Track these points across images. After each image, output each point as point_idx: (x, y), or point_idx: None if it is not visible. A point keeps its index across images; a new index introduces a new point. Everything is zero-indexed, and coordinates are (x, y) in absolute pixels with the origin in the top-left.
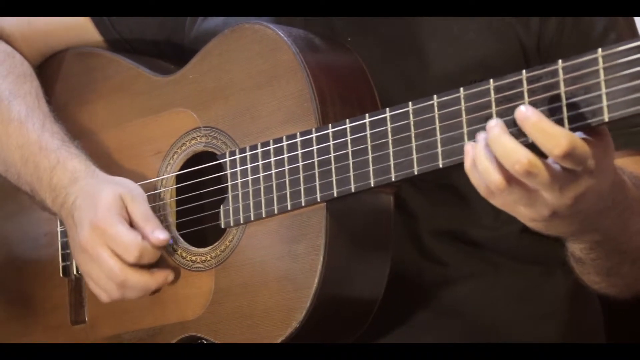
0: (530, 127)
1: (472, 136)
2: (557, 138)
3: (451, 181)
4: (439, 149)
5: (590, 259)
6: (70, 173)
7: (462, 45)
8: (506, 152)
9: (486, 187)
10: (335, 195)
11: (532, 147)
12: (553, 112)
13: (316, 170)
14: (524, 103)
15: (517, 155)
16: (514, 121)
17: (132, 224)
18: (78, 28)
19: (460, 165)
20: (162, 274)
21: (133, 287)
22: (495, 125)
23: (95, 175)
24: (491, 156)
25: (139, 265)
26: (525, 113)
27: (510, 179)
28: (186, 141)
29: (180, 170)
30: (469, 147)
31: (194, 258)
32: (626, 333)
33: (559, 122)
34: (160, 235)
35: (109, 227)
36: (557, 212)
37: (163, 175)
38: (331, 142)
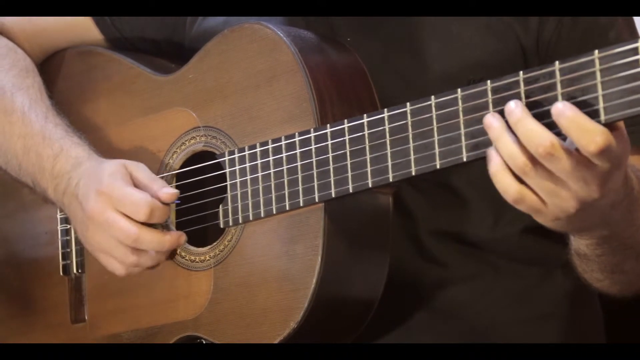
0: (566, 122)
1: (469, 137)
2: (593, 134)
3: (451, 182)
4: (437, 150)
5: (596, 255)
6: (74, 159)
7: (461, 45)
8: (531, 134)
9: (515, 191)
10: (333, 195)
11: None
12: (550, 114)
13: (314, 171)
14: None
15: (541, 138)
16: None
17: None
18: (79, 26)
19: (458, 166)
20: (175, 233)
21: (146, 247)
22: (515, 107)
23: (97, 159)
24: (514, 139)
25: (150, 226)
26: (562, 108)
27: (535, 161)
28: (186, 140)
29: (180, 169)
30: (492, 151)
31: (193, 257)
32: (626, 333)
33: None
34: (168, 190)
35: (116, 190)
36: (583, 205)
37: (163, 174)
38: (329, 142)
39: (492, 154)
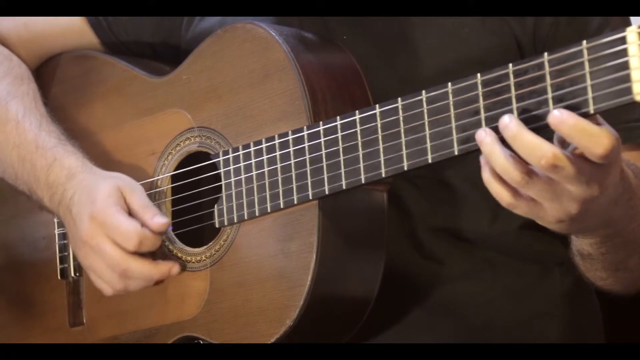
0: (570, 130)
1: (460, 130)
2: (599, 137)
3: (449, 179)
4: (428, 144)
5: (601, 254)
6: (67, 170)
7: (457, 42)
8: (530, 147)
9: (509, 196)
10: (326, 192)
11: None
12: (539, 105)
13: (308, 168)
14: (510, 96)
15: (542, 150)
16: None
17: (131, 214)
18: (75, 31)
19: (450, 160)
20: (167, 264)
21: (135, 277)
22: (510, 121)
23: (92, 171)
24: (507, 153)
25: (141, 255)
26: (561, 116)
27: (531, 172)
28: (180, 141)
29: (175, 170)
30: (483, 160)
31: (189, 258)
32: (625, 333)
33: (545, 114)
34: (160, 220)
35: (108, 217)
36: (585, 205)
37: (158, 175)
38: (322, 140)
39: (483, 161)
